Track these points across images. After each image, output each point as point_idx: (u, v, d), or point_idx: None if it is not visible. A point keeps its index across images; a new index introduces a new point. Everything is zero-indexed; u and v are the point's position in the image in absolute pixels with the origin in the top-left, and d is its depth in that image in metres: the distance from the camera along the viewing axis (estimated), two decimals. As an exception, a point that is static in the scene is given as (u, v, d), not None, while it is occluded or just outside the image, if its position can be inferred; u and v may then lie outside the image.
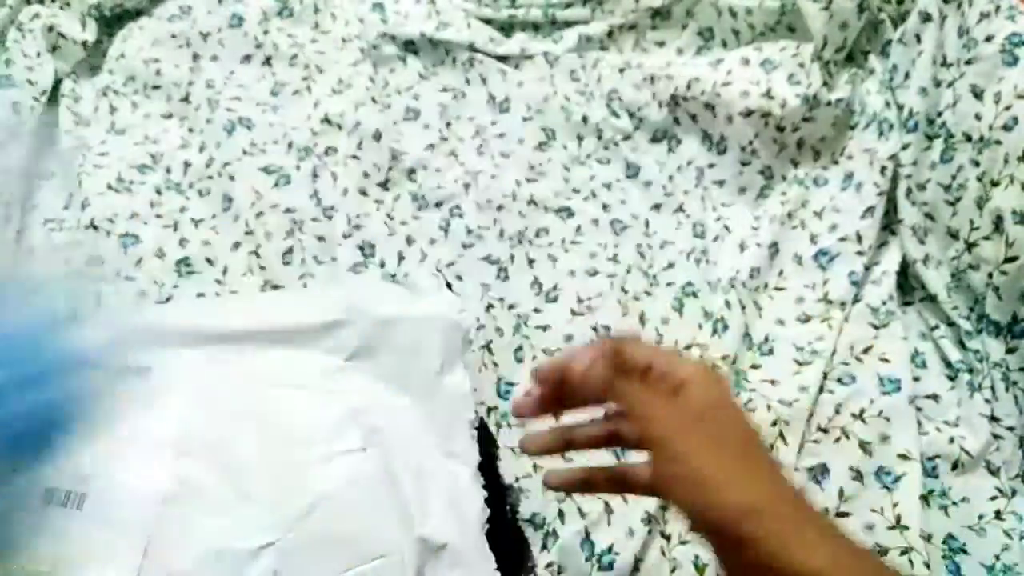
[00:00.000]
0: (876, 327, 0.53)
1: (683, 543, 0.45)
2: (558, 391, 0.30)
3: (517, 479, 0.47)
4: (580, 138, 0.64)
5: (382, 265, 0.57)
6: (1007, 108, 0.49)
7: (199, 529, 0.35)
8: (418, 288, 0.46)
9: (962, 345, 0.52)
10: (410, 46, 0.70)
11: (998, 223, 0.49)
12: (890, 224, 0.57)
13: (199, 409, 0.38)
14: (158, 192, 0.60)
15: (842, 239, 0.56)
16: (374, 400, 0.38)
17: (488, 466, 0.44)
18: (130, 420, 0.37)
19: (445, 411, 0.38)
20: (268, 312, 0.43)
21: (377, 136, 0.62)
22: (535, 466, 0.48)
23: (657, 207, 0.61)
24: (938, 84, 0.56)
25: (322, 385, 0.39)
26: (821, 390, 0.51)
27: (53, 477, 0.35)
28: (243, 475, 0.37)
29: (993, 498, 0.47)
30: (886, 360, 0.51)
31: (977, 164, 0.51)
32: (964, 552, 0.45)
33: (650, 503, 0.46)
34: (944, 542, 0.46)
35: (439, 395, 0.39)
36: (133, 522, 0.35)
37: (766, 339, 0.54)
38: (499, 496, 0.42)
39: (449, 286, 0.46)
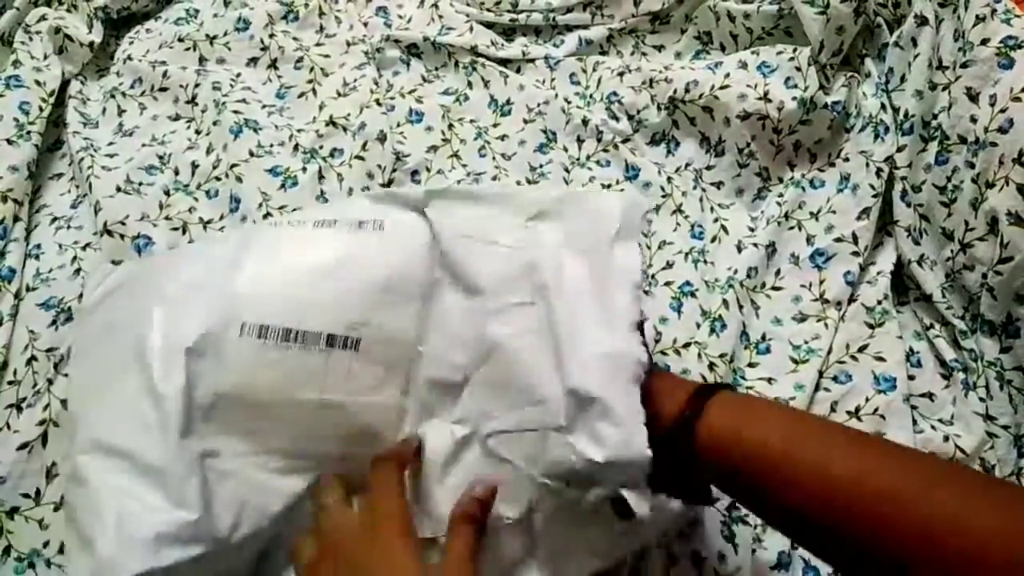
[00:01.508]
0: (871, 326, 0.53)
1: (680, 535, 0.46)
2: None
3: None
4: (580, 140, 0.65)
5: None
6: (1002, 111, 0.50)
7: (431, 365, 0.42)
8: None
9: (957, 344, 0.53)
10: (413, 49, 0.71)
11: (992, 224, 0.50)
12: (885, 225, 0.58)
13: (417, 258, 0.43)
14: (166, 193, 0.60)
15: (838, 240, 0.57)
16: (548, 258, 0.41)
17: None
18: (373, 270, 0.43)
19: (611, 277, 0.40)
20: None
21: (381, 138, 0.63)
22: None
23: (656, 208, 0.61)
24: (934, 87, 0.56)
25: (505, 241, 0.43)
26: (817, 388, 0.51)
27: (331, 324, 0.41)
28: (447, 320, 0.42)
29: (987, 495, 0.48)
30: (881, 359, 0.52)
31: (972, 166, 0.52)
32: (959, 548, 0.46)
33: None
34: (939, 538, 0.46)
35: (609, 261, 0.41)
36: (395, 360, 0.42)
37: (763, 337, 0.54)
38: None
39: None
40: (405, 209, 0.46)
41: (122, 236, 0.56)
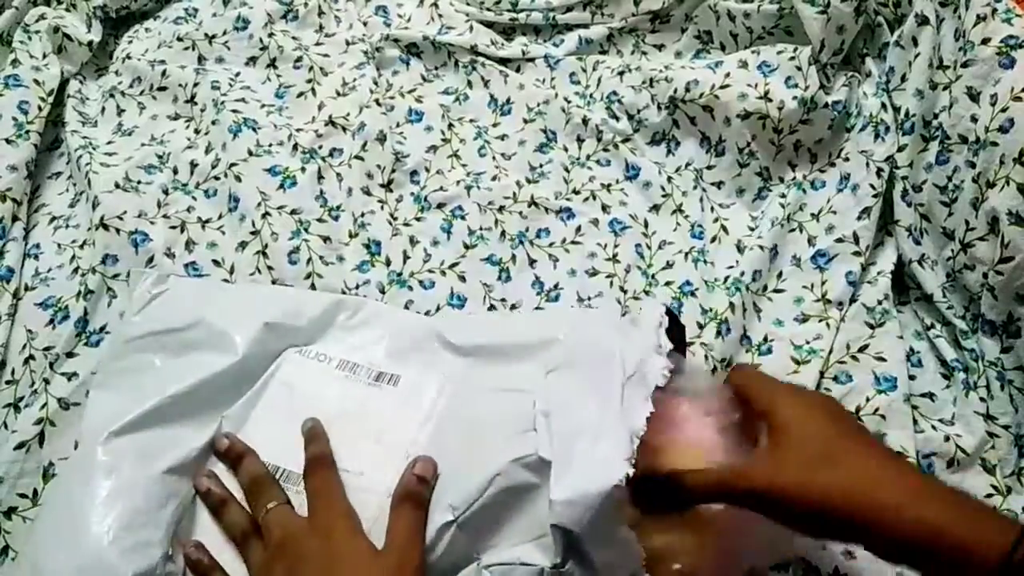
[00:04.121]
0: (872, 326, 0.53)
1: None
2: None
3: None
4: (580, 140, 0.65)
5: (388, 263, 0.58)
6: (1003, 110, 0.50)
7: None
8: (639, 321, 0.47)
9: (957, 344, 0.52)
10: (413, 49, 0.71)
11: (993, 224, 0.49)
12: (886, 225, 0.58)
13: (413, 417, 0.45)
14: (165, 192, 0.60)
15: (839, 240, 0.56)
16: (556, 397, 0.41)
17: None
18: (369, 424, 0.45)
19: (611, 423, 0.39)
20: (502, 330, 0.50)
21: (381, 138, 0.63)
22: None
23: (656, 208, 0.61)
24: (934, 87, 0.56)
25: (521, 389, 0.43)
26: (818, 388, 0.51)
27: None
28: (447, 476, 0.41)
29: (989, 496, 0.47)
30: (882, 359, 0.52)
31: (973, 165, 0.51)
32: (960, 548, 0.46)
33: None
34: (940, 538, 0.46)
35: (616, 407, 0.40)
36: (362, 512, 0.41)
37: (765, 339, 0.54)
38: None
39: (672, 329, 0.45)
40: (429, 363, 0.48)
41: (118, 231, 0.56)
